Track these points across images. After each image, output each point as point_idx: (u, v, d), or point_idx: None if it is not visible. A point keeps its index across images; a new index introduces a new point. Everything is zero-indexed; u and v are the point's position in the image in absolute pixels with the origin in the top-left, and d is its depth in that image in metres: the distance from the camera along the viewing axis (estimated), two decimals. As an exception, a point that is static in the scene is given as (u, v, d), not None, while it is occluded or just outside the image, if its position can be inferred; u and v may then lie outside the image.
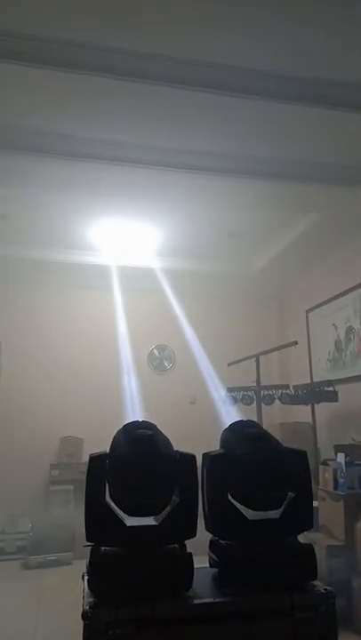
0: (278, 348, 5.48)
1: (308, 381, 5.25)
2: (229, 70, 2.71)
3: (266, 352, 5.40)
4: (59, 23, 2.43)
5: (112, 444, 1.85)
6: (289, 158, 3.53)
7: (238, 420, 2.11)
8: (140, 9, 2.37)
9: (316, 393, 4.63)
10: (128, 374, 5.71)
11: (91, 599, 1.64)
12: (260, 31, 2.50)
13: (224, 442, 2.00)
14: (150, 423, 1.93)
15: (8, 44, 2.50)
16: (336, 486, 3.52)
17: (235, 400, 5.24)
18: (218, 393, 5.44)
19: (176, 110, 3.00)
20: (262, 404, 5.14)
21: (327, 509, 3.56)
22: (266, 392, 5.16)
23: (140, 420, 1.96)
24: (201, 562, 1.88)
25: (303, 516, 1.86)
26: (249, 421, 2.10)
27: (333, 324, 5.25)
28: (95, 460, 1.77)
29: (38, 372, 5.77)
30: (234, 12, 2.39)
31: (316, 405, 4.71)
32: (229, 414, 4.94)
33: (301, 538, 1.90)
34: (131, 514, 1.72)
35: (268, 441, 1.94)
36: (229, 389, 5.31)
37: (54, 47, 2.53)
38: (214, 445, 1.99)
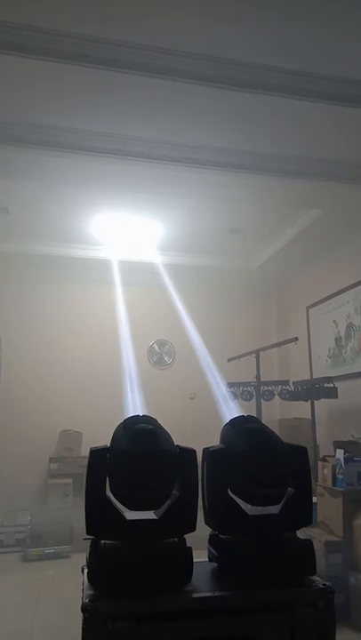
0: (278, 344, 5.48)
1: (308, 378, 5.26)
2: (235, 64, 2.69)
3: (266, 348, 5.40)
4: (61, 15, 2.41)
5: (113, 438, 1.85)
6: (293, 154, 3.51)
7: (239, 415, 2.10)
8: (144, 1, 2.35)
9: (316, 389, 4.63)
10: (128, 369, 5.70)
11: (90, 592, 1.64)
12: (263, 26, 2.48)
13: (224, 437, 1.99)
14: (151, 417, 1.92)
15: (10, 35, 2.48)
16: (335, 482, 3.53)
17: (235, 395, 5.25)
18: (218, 388, 5.44)
19: (179, 104, 2.98)
20: (262, 400, 5.15)
21: (326, 505, 3.57)
22: (266, 388, 5.17)
23: (141, 414, 1.96)
24: (200, 556, 1.88)
25: (302, 512, 1.86)
26: (250, 417, 2.09)
27: (334, 321, 5.25)
28: (96, 454, 1.77)
29: (38, 366, 5.77)
30: (239, 6, 2.37)
31: (315, 402, 4.71)
32: (229, 410, 4.94)
33: (300, 533, 1.90)
34: (131, 507, 1.72)
35: (268, 436, 1.93)
36: (229, 385, 5.31)
37: (57, 39, 2.51)
38: (214, 440, 1.99)
